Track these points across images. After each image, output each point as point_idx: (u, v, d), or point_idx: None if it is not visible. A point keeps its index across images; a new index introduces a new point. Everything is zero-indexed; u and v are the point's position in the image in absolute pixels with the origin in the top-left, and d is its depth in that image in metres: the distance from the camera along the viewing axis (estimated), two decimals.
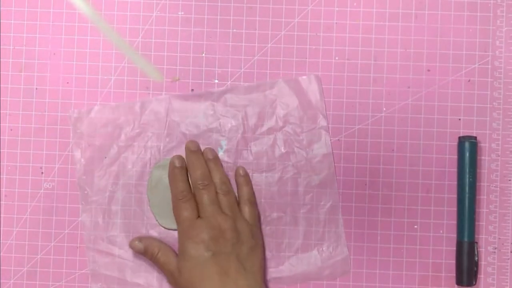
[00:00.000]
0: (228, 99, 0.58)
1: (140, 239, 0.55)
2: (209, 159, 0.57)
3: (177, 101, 0.58)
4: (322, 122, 0.58)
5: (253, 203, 0.56)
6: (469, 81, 0.58)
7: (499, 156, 0.58)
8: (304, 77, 0.58)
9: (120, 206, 0.58)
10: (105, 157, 0.58)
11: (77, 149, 0.58)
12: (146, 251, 0.55)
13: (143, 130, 0.58)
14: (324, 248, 0.57)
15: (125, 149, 0.58)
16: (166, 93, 0.59)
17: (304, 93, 0.58)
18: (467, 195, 0.56)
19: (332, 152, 0.58)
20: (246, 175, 0.57)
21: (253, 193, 0.57)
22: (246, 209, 0.55)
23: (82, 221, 0.58)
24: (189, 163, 0.56)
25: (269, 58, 0.59)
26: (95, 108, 0.58)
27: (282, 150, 0.58)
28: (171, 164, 0.56)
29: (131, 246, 0.55)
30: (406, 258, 0.57)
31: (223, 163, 0.58)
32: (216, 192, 0.55)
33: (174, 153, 0.58)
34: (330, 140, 0.58)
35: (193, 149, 0.57)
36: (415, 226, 0.58)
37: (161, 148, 0.58)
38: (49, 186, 0.58)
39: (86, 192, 0.58)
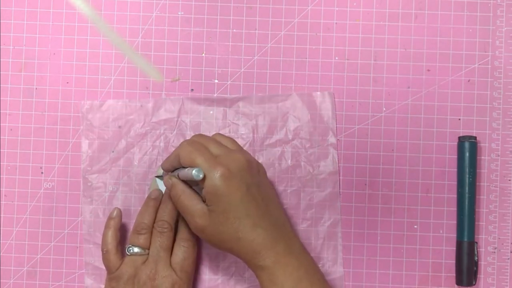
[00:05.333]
0: (241, 107, 0.58)
1: (171, 176, 0.52)
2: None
3: (190, 103, 0.58)
4: (332, 139, 0.58)
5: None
6: (469, 81, 0.58)
7: (499, 156, 0.58)
8: (318, 92, 0.58)
9: (120, 206, 0.58)
10: (112, 151, 0.58)
11: (85, 140, 0.58)
12: (171, 190, 0.52)
13: (153, 129, 0.58)
14: (320, 265, 0.57)
15: (133, 146, 0.58)
16: (166, 92, 0.59)
17: (317, 108, 0.58)
18: (467, 195, 0.56)
19: (339, 171, 0.58)
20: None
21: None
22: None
23: (82, 212, 0.58)
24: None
25: (269, 58, 0.59)
26: (107, 102, 0.59)
27: (289, 163, 0.58)
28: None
29: (164, 181, 0.53)
30: (406, 258, 0.57)
31: None
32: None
33: None
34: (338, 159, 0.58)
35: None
36: (415, 226, 0.58)
37: (169, 148, 0.58)
38: (49, 186, 0.58)
39: (89, 184, 0.58)
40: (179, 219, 0.56)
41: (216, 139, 0.52)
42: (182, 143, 0.51)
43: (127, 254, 0.54)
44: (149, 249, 0.54)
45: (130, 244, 0.54)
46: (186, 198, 0.50)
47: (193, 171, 0.47)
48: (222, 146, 0.51)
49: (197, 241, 0.56)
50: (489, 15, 0.58)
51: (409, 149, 0.58)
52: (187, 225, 0.55)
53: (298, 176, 0.58)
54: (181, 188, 0.51)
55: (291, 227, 0.52)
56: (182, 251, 0.54)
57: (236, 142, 0.53)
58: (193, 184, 0.51)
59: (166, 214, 0.54)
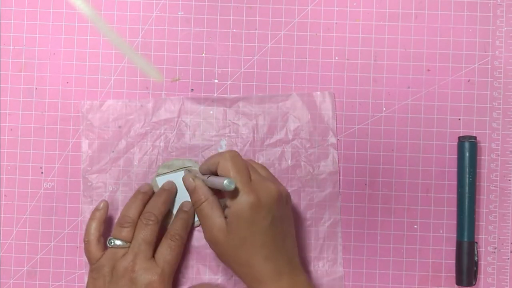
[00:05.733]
0: (241, 107, 0.58)
1: (194, 177, 0.52)
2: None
3: (190, 103, 0.58)
4: (332, 139, 0.58)
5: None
6: (469, 81, 0.58)
7: (499, 156, 0.58)
8: (319, 92, 0.58)
9: (120, 206, 0.58)
10: (112, 151, 0.58)
11: (85, 140, 0.58)
12: (193, 192, 0.52)
13: (153, 129, 0.58)
14: (320, 265, 0.57)
15: (133, 146, 0.58)
16: (166, 92, 0.59)
17: (317, 108, 0.58)
18: (467, 195, 0.56)
19: (339, 171, 0.58)
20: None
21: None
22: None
23: (82, 212, 0.58)
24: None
25: (269, 58, 0.59)
26: (107, 102, 0.59)
27: (289, 163, 0.58)
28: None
29: (184, 179, 0.53)
30: (406, 258, 0.57)
31: None
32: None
33: (182, 155, 0.58)
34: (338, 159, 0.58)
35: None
36: (415, 226, 0.58)
37: (169, 148, 0.58)
38: (49, 186, 0.58)
39: (89, 184, 0.58)
40: (175, 214, 0.56)
41: (250, 164, 0.52)
42: (224, 153, 0.50)
43: (109, 246, 0.54)
44: (131, 242, 0.54)
45: (111, 237, 0.54)
46: (208, 206, 0.50)
47: (225, 181, 0.47)
48: (257, 172, 0.51)
49: (187, 240, 0.56)
50: (489, 15, 0.58)
51: (409, 149, 0.58)
52: (180, 221, 0.55)
53: (298, 176, 0.58)
54: (205, 194, 0.51)
55: (299, 260, 0.52)
56: (169, 244, 0.54)
57: (268, 170, 0.53)
58: (217, 193, 0.51)
59: (155, 207, 0.54)
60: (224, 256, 0.50)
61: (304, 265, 0.57)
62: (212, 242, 0.50)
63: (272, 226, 0.49)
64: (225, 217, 0.49)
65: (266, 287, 0.48)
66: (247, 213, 0.48)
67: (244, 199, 0.48)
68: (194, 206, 0.51)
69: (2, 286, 0.58)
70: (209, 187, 0.51)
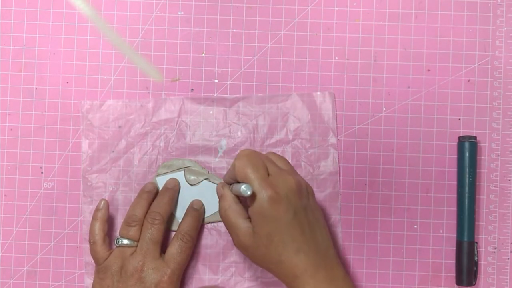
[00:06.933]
0: (241, 107, 0.58)
1: (223, 185, 0.52)
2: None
3: (190, 103, 0.58)
4: (332, 139, 0.58)
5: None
6: (469, 81, 0.58)
7: (499, 156, 0.58)
8: (319, 92, 0.58)
9: (120, 206, 0.58)
10: (113, 151, 0.58)
11: (85, 140, 0.58)
12: (220, 200, 0.51)
13: (153, 129, 0.58)
14: None
15: (133, 146, 0.58)
16: (166, 92, 0.59)
17: (317, 109, 0.58)
18: (467, 195, 0.56)
19: (339, 171, 0.58)
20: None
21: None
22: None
23: (82, 212, 0.58)
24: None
25: (268, 58, 0.59)
26: (107, 102, 0.59)
27: None
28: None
29: (217, 188, 0.53)
30: (405, 258, 0.57)
31: (219, 168, 0.58)
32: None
33: (182, 155, 0.58)
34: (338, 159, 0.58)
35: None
36: (415, 226, 0.58)
37: (169, 148, 0.58)
38: (49, 186, 0.59)
39: (89, 184, 0.58)
40: (185, 212, 0.56)
41: (269, 157, 0.51)
42: (239, 154, 0.50)
43: (116, 246, 0.54)
44: (138, 241, 0.54)
45: (119, 236, 0.54)
46: (231, 214, 0.50)
47: (242, 187, 0.46)
48: (275, 165, 0.50)
49: (196, 238, 0.56)
50: (489, 15, 0.58)
51: (409, 149, 0.58)
52: (190, 219, 0.55)
53: None
54: (228, 202, 0.50)
55: (335, 253, 0.51)
56: (180, 244, 0.54)
57: (288, 162, 0.52)
58: (243, 200, 0.51)
59: (160, 206, 0.55)
60: (256, 258, 0.49)
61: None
62: (241, 247, 0.50)
63: (296, 218, 0.48)
64: (249, 219, 0.49)
65: (303, 281, 0.47)
66: (268, 209, 0.47)
67: (262, 195, 0.47)
68: (220, 214, 0.51)
69: (2, 286, 0.58)
70: (236, 195, 0.51)
